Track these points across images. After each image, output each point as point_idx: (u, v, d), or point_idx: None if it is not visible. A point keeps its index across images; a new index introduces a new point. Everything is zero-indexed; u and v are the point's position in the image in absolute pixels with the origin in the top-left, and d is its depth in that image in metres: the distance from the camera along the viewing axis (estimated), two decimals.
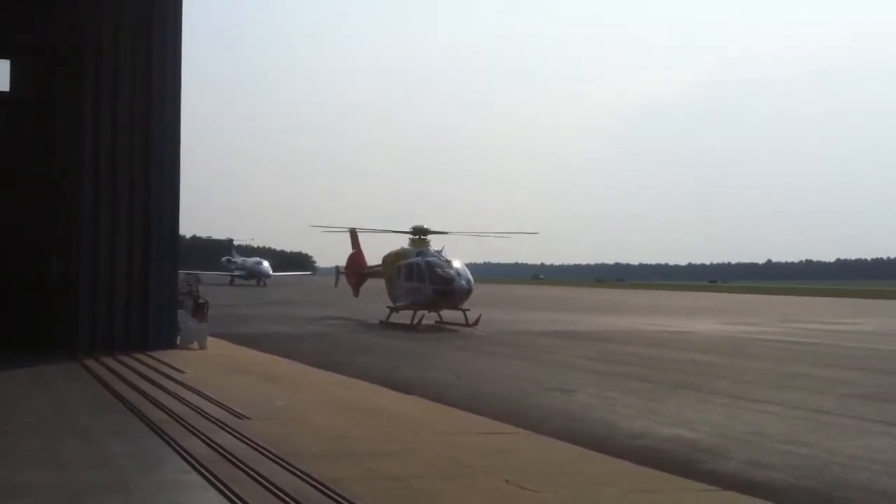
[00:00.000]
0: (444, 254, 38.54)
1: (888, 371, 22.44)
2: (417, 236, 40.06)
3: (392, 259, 40.58)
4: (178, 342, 23.97)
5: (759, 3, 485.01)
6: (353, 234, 46.90)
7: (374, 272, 44.40)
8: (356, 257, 47.02)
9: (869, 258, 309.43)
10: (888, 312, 61.00)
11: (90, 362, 19.65)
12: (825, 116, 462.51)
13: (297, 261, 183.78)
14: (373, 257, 45.56)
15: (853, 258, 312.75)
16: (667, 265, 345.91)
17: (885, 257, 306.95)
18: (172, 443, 10.82)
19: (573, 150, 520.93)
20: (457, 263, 37.65)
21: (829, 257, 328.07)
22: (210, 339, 25.50)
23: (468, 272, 37.63)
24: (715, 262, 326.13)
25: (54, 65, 24.71)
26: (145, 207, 23.34)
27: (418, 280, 36.95)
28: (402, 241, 41.11)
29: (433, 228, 40.33)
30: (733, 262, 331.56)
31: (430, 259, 37.54)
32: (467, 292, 36.72)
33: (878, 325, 44.81)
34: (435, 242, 39.94)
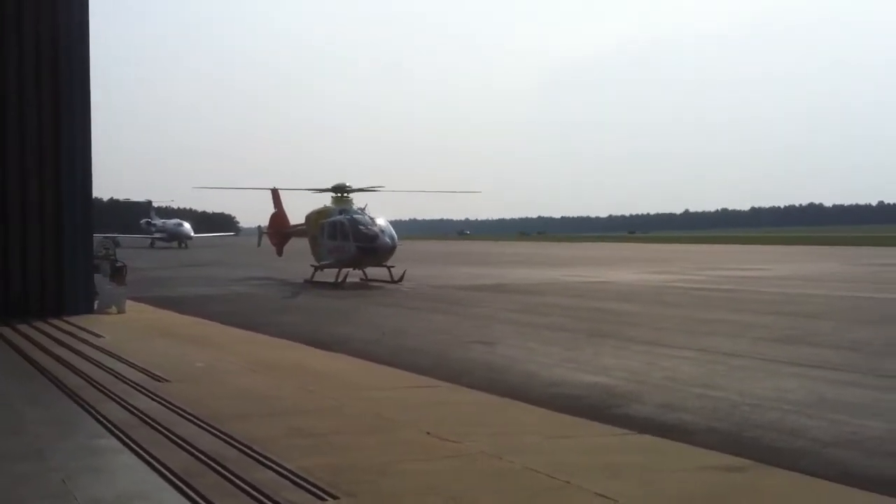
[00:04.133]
0: (367, 211, 38.44)
1: (798, 314, 23.21)
2: (339, 194, 39.81)
3: (315, 217, 40.30)
4: (95, 307, 23.54)
5: None
6: (275, 193, 46.38)
7: (297, 231, 44.05)
8: (278, 217, 46.55)
9: (782, 206, 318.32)
10: (799, 258, 62.99)
11: (3, 329, 19.15)
12: (737, 71, 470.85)
13: (219, 221, 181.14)
14: (295, 217, 45.19)
15: (766, 206, 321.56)
16: (588, 217, 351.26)
17: (797, 204, 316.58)
18: (89, 408, 10.65)
19: (495, 110, 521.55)
20: (380, 220, 37.61)
21: (744, 206, 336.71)
22: (130, 303, 25.14)
23: (392, 229, 37.64)
24: (634, 213, 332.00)
25: None
26: (56, 170, 22.70)
27: (342, 238, 36.84)
28: (325, 200, 40.84)
29: (355, 186, 40.12)
30: (652, 213, 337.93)
31: (353, 217, 37.43)
32: (391, 249, 36.76)
33: (791, 270, 46.25)
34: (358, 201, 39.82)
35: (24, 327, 19.50)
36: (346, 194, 39.70)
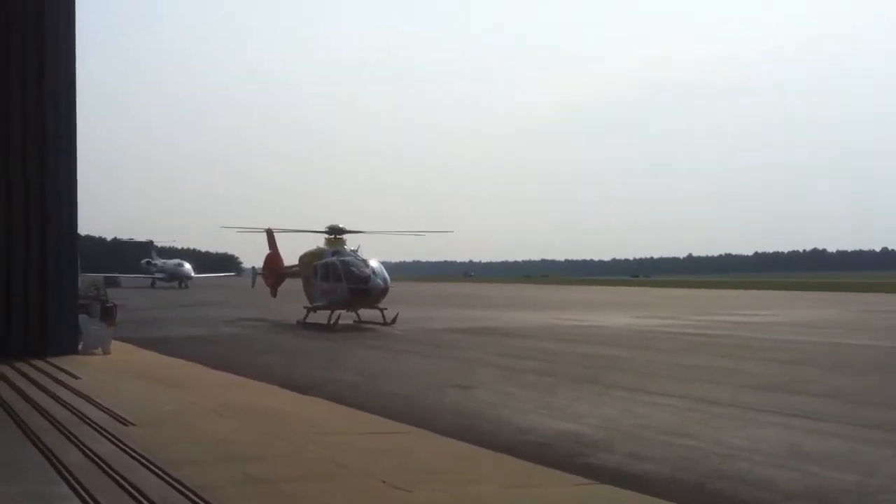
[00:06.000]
0: (360, 253, 38.41)
1: (789, 361, 23.00)
2: (333, 236, 39.81)
3: (308, 259, 40.27)
4: (80, 348, 23.39)
5: (664, 8, 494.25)
6: (270, 234, 46.40)
7: (291, 272, 43.99)
8: (273, 258, 46.53)
9: (785, 251, 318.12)
10: (798, 303, 62.72)
11: None
12: (740, 116, 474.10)
13: (221, 262, 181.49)
14: (290, 258, 45.16)
15: (770, 251, 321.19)
16: (591, 261, 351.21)
17: (800, 250, 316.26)
18: (47, 451, 10.49)
19: (499, 153, 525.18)
20: (373, 262, 37.55)
21: (748, 251, 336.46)
22: (117, 344, 24.94)
23: (384, 271, 37.56)
24: (638, 256, 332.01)
25: None
26: (42, 209, 22.70)
27: (334, 279, 36.77)
28: (319, 241, 40.83)
29: (348, 228, 40.12)
30: (655, 256, 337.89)
31: (346, 258, 37.39)
32: (384, 291, 36.66)
33: (791, 316, 45.99)
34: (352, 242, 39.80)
35: (3, 368, 19.34)
36: (339, 236, 39.69)
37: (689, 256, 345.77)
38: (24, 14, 22.96)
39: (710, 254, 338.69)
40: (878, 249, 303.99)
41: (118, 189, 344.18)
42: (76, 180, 23.41)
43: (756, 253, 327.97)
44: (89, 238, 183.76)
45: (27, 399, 14.77)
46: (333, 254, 38.11)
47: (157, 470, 9.47)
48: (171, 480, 9.02)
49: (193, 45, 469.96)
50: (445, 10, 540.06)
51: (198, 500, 8.30)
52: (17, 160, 22.50)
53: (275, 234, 46.16)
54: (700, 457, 11.11)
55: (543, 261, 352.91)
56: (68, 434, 11.58)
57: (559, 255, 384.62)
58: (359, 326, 36.68)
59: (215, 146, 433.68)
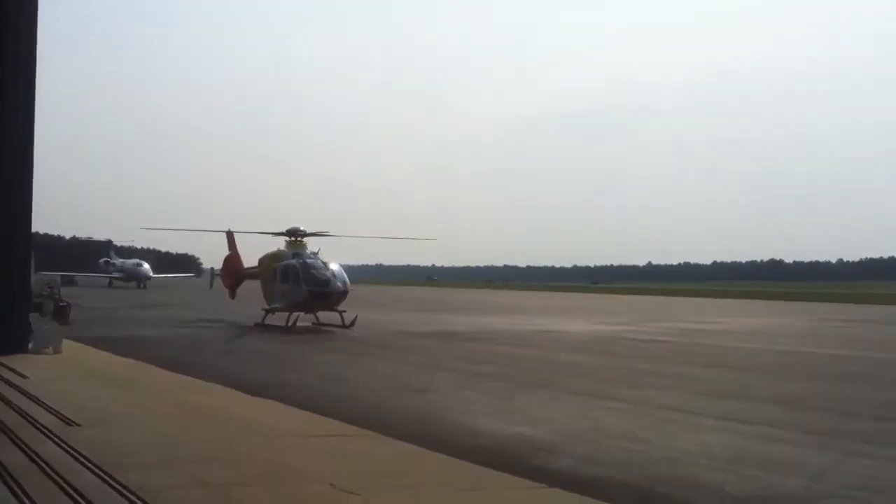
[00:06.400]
0: (320, 255, 38.21)
1: (738, 367, 23.27)
2: (293, 238, 39.57)
3: (268, 261, 39.98)
4: (30, 347, 23.01)
5: (638, 13, 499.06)
6: (230, 235, 46.00)
7: (250, 274, 43.63)
8: (232, 259, 46.11)
9: (743, 261, 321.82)
10: (757, 312, 63.53)
11: None
12: (702, 125, 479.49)
13: (182, 262, 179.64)
14: (250, 260, 44.76)
15: (728, 261, 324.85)
16: (552, 267, 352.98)
17: (758, 259, 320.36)
18: None
19: (461, 157, 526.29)
20: (333, 265, 37.37)
21: (706, 260, 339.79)
22: (69, 343, 24.58)
23: (344, 274, 37.40)
24: (598, 263, 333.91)
25: None
26: None
27: (294, 282, 36.55)
28: (279, 243, 40.54)
29: (309, 230, 39.89)
30: (616, 263, 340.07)
31: (305, 261, 37.18)
32: (343, 294, 36.50)
33: (745, 324, 46.54)
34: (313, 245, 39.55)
35: None
36: (299, 238, 39.46)
37: (649, 264, 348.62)
38: None
39: (669, 262, 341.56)
40: (833, 261, 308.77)
41: (78, 187, 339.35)
42: (31, 179, 23.04)
43: (714, 262, 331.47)
44: (48, 236, 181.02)
45: None
46: (294, 256, 37.87)
47: (101, 473, 9.33)
48: (114, 484, 8.88)
49: (158, 40, 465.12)
50: (421, 13, 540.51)
51: None
52: None
53: (234, 235, 45.77)
54: (648, 460, 11.19)
55: (506, 266, 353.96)
56: (12, 435, 11.37)
57: (521, 261, 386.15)
58: (317, 329, 36.49)
59: (179, 145, 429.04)
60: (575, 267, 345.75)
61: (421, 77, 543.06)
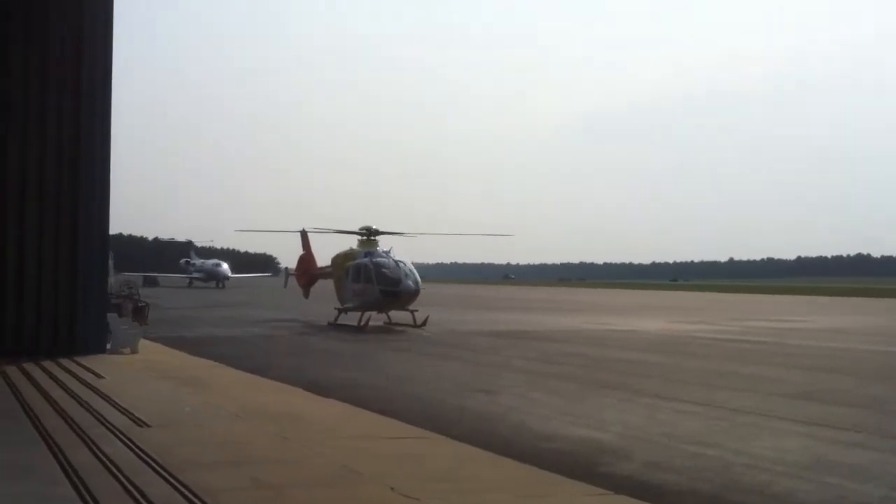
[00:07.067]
0: (393, 254, 38.30)
1: (821, 368, 22.48)
2: (366, 237, 39.75)
3: (341, 260, 40.24)
4: (108, 347, 23.49)
5: (699, 15, 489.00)
6: (304, 235, 46.46)
7: (324, 273, 44.00)
8: (306, 259, 46.57)
9: (829, 256, 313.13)
10: (840, 309, 61.61)
11: (9, 368, 19.12)
12: (781, 120, 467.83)
13: (260, 262, 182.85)
14: (324, 259, 45.19)
15: (814, 256, 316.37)
16: (631, 264, 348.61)
17: (844, 255, 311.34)
18: (58, 452, 10.45)
19: (537, 154, 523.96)
20: (405, 264, 37.40)
21: (790, 255, 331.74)
22: (146, 343, 25.05)
23: (416, 273, 37.42)
24: (678, 260, 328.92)
25: None
26: (73, 208, 22.84)
27: (366, 281, 36.69)
28: (352, 242, 40.78)
29: (382, 229, 40.04)
30: (696, 260, 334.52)
31: (377, 260, 37.28)
32: (415, 293, 36.51)
33: (830, 322, 45.14)
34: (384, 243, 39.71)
35: (30, 366, 19.46)
36: (372, 237, 39.62)
37: (731, 260, 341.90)
38: (62, 14, 23.12)
39: (751, 258, 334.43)
40: None
41: (161, 190, 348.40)
42: (109, 180, 23.53)
43: (799, 257, 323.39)
44: (132, 238, 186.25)
45: (48, 399, 14.79)
46: (366, 255, 38.03)
47: (163, 473, 9.38)
48: (175, 483, 8.91)
49: (233, 46, 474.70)
50: (479, 14, 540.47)
51: None
52: (52, 159, 22.64)
53: (309, 235, 46.21)
54: (721, 466, 10.80)
55: (582, 263, 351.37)
56: (82, 435, 11.53)
57: (598, 259, 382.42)
58: (389, 328, 36.57)
59: (257, 147, 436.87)
60: (654, 264, 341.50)
61: (496, 72, 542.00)
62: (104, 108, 23.59)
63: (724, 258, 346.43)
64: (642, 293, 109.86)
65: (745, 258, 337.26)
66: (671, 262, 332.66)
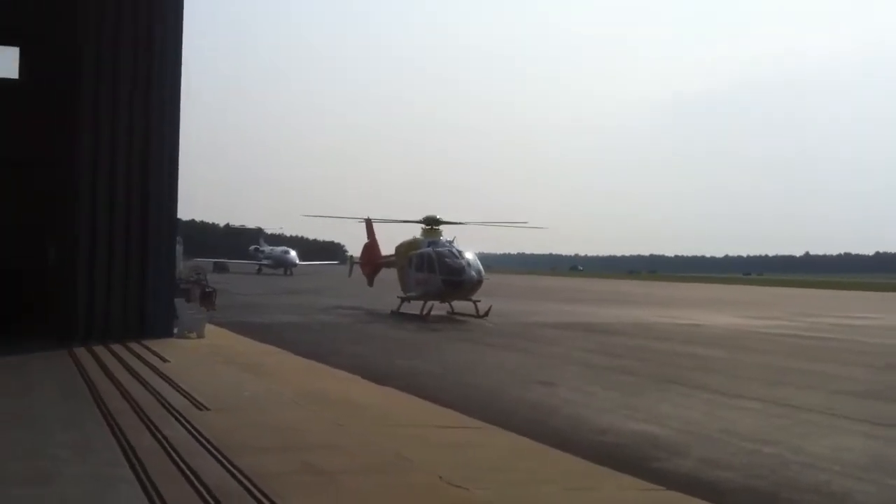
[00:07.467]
0: (456, 244, 38.36)
1: (892, 367, 21.87)
2: (429, 226, 39.88)
3: (404, 249, 40.47)
4: (175, 331, 24.00)
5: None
6: (369, 223, 46.80)
7: (387, 262, 44.30)
8: (371, 247, 46.94)
9: None
10: None
11: (79, 350, 19.70)
12: (861, 111, 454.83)
13: (328, 249, 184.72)
14: (388, 248, 45.46)
15: (893, 251, 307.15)
16: (703, 257, 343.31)
17: None
18: (119, 433, 10.74)
19: (607, 145, 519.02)
20: (468, 254, 37.45)
21: (868, 250, 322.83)
22: (212, 328, 25.52)
23: (479, 263, 37.43)
24: (752, 254, 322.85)
25: (59, 52, 24.76)
26: (143, 194, 23.37)
27: (429, 270, 36.82)
28: (416, 231, 40.99)
29: (445, 219, 40.15)
30: (770, 254, 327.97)
31: (440, 249, 37.38)
32: (477, 283, 36.52)
33: None
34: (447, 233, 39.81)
35: (99, 349, 20.01)
36: (435, 226, 39.74)
37: (807, 255, 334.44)
38: (134, 3, 23.66)
39: (828, 252, 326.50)
40: None
41: (233, 177, 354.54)
42: (177, 169, 24.03)
43: (878, 253, 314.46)
44: (204, 224, 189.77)
45: (114, 381, 15.19)
46: (429, 244, 38.16)
47: (218, 456, 9.57)
48: (229, 467, 9.10)
49: (303, 37, 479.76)
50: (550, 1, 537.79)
51: (251, 488, 8.34)
52: (122, 148, 23.21)
53: (373, 223, 46.54)
54: (777, 465, 10.61)
55: (652, 256, 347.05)
56: (143, 417, 11.83)
57: (669, 251, 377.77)
58: (451, 318, 36.66)
59: (327, 137, 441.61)
60: (727, 257, 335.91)
61: (569, 60, 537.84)
62: (173, 96, 24.06)
63: (799, 252, 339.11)
64: (713, 287, 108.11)
65: (821, 252, 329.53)
66: (745, 255, 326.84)
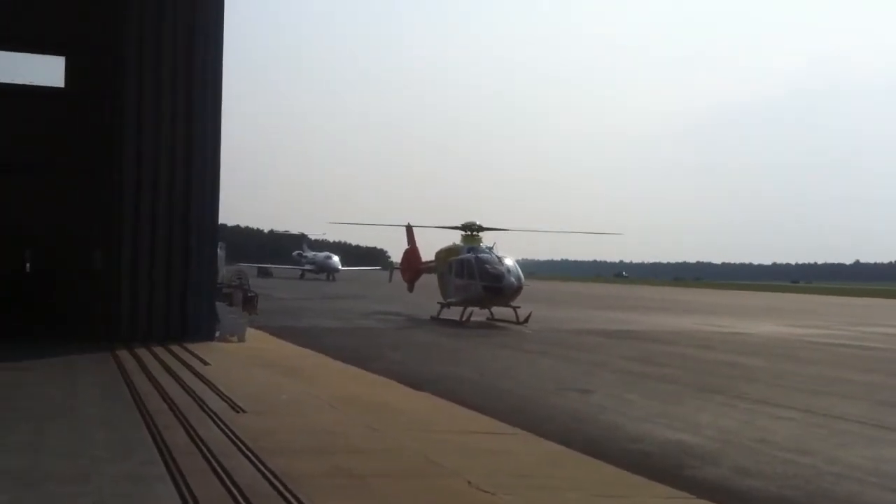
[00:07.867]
0: (496, 250, 38.36)
1: None
2: (469, 232, 39.94)
3: (444, 255, 40.57)
4: (217, 335, 24.30)
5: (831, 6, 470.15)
6: (409, 229, 47.00)
7: (427, 268, 44.44)
8: (411, 253, 47.12)
9: None
10: None
11: (122, 353, 20.06)
12: None
13: (370, 255, 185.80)
14: (428, 254, 45.60)
15: None
16: (750, 264, 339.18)
17: None
18: (156, 434, 10.94)
19: (654, 151, 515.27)
20: (508, 260, 37.41)
21: None
22: (253, 332, 25.78)
23: (519, 269, 37.38)
24: (801, 262, 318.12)
25: (105, 61, 25.27)
26: (185, 200, 23.76)
27: (468, 276, 36.85)
28: (456, 238, 41.05)
29: (485, 225, 40.17)
30: (819, 262, 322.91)
31: (480, 256, 37.39)
32: (517, 289, 36.46)
33: None
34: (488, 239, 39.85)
35: (141, 351, 20.37)
36: (475, 233, 39.79)
37: (857, 263, 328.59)
38: (175, 9, 24.07)
39: (879, 260, 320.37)
40: None
41: (276, 183, 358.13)
42: (219, 174, 24.38)
43: None
44: (248, 230, 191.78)
45: (154, 382, 15.46)
46: (469, 250, 38.21)
47: (252, 457, 9.72)
48: (261, 468, 9.23)
49: (348, 43, 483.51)
50: (592, 9, 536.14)
51: (283, 490, 8.45)
52: (165, 153, 23.61)
53: (413, 229, 46.73)
54: (813, 475, 10.49)
55: (699, 263, 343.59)
56: (181, 418, 12.03)
57: (716, 258, 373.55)
58: (491, 324, 36.66)
59: (371, 143, 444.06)
60: (775, 265, 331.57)
61: (608, 70, 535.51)
62: (215, 102, 24.43)
63: (849, 260, 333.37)
64: (759, 295, 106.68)
65: (871, 261, 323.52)
66: (793, 263, 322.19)
